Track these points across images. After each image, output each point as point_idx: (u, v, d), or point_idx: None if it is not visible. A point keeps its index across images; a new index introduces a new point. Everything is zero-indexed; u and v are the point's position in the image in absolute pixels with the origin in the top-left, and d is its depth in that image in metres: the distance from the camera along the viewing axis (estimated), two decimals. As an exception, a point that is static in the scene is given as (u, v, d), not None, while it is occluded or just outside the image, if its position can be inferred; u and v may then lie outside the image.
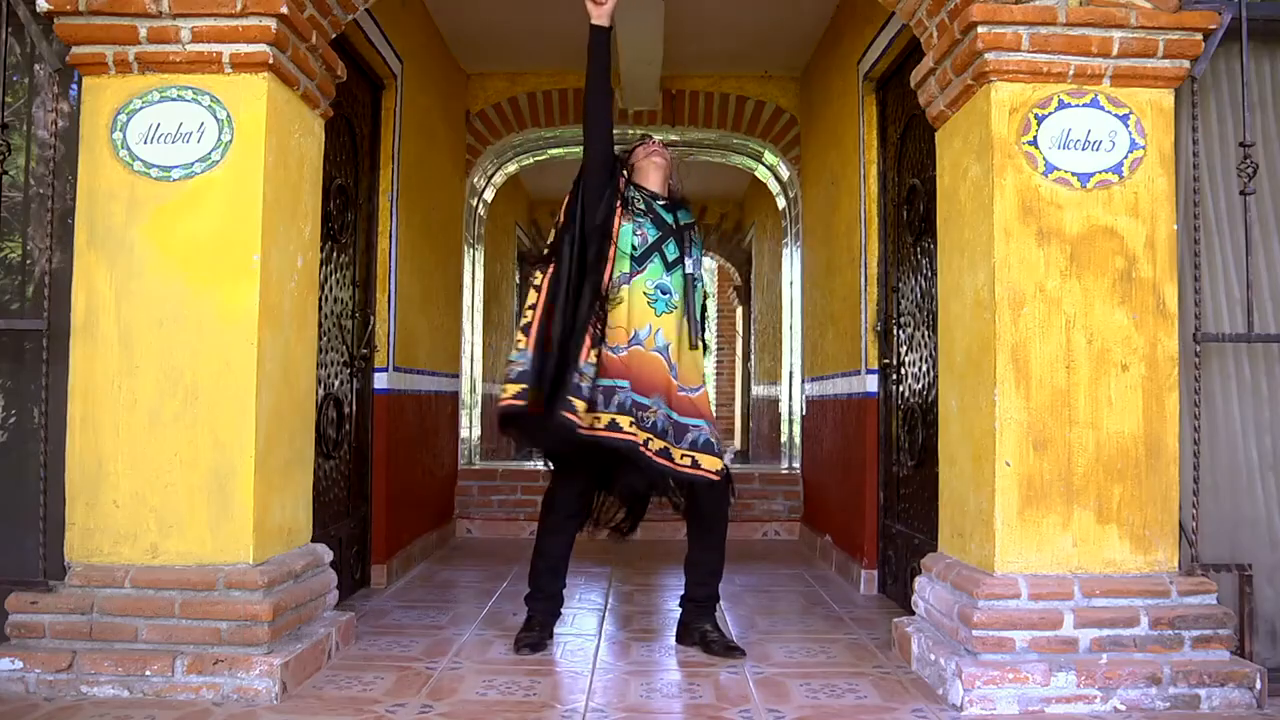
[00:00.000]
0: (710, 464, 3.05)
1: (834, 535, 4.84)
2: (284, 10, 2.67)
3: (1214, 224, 2.86)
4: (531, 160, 6.43)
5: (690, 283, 3.16)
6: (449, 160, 5.54)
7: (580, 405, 2.91)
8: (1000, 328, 2.67)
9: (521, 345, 3.04)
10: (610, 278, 3.05)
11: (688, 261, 3.16)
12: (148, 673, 2.52)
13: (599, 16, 3.07)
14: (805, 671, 2.91)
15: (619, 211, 3.11)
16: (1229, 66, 2.85)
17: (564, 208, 3.15)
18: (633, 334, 3.06)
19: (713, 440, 3.08)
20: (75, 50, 2.69)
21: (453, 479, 5.77)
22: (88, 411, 2.65)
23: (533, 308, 3.07)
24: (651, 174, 3.25)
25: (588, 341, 2.96)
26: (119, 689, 2.52)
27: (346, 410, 3.93)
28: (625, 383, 3.01)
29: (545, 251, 3.16)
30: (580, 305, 3.00)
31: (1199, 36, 2.70)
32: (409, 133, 4.54)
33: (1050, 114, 2.71)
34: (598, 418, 2.96)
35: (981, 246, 2.76)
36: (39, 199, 2.82)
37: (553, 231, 3.18)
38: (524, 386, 2.97)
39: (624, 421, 2.97)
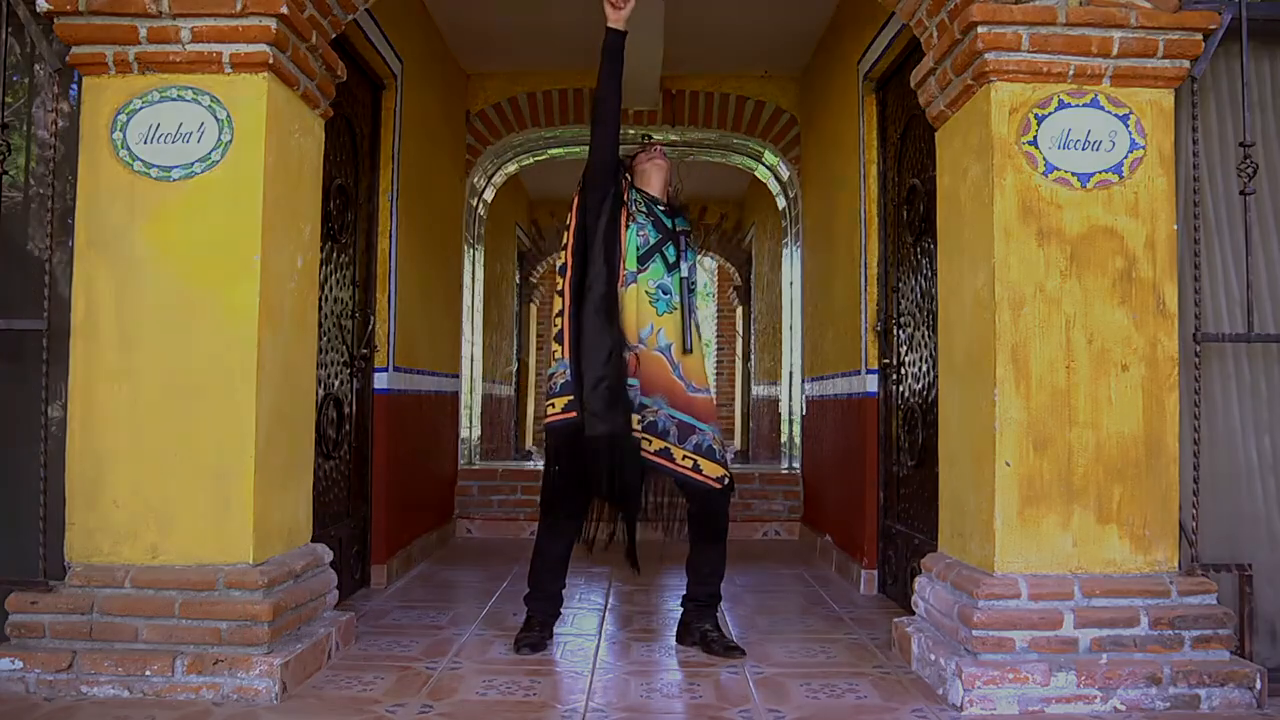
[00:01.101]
0: (711, 470, 3.06)
1: (834, 535, 4.84)
2: (284, 10, 2.66)
3: (1214, 224, 2.86)
4: (531, 160, 6.44)
5: (686, 287, 3.14)
6: (449, 160, 5.54)
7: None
8: (1000, 328, 2.67)
9: (559, 355, 3.04)
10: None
11: (683, 266, 3.15)
12: (148, 673, 2.52)
13: (616, 20, 3.04)
14: (805, 671, 2.91)
15: (624, 214, 3.11)
16: (1229, 66, 2.85)
17: (573, 210, 3.15)
18: (638, 334, 3.07)
19: (715, 447, 3.08)
20: (75, 50, 2.69)
21: (453, 479, 5.77)
22: (87, 411, 2.65)
23: (560, 315, 3.08)
24: (653, 177, 3.25)
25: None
26: (119, 689, 2.52)
27: (346, 410, 3.93)
28: (635, 382, 3.03)
29: (561, 262, 3.15)
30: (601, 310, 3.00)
31: (1199, 36, 2.70)
32: (409, 133, 4.53)
33: (1050, 114, 2.71)
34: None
35: (981, 246, 2.76)
36: (39, 199, 2.82)
37: (565, 234, 3.17)
38: (571, 398, 2.98)
39: (634, 421, 2.99)
